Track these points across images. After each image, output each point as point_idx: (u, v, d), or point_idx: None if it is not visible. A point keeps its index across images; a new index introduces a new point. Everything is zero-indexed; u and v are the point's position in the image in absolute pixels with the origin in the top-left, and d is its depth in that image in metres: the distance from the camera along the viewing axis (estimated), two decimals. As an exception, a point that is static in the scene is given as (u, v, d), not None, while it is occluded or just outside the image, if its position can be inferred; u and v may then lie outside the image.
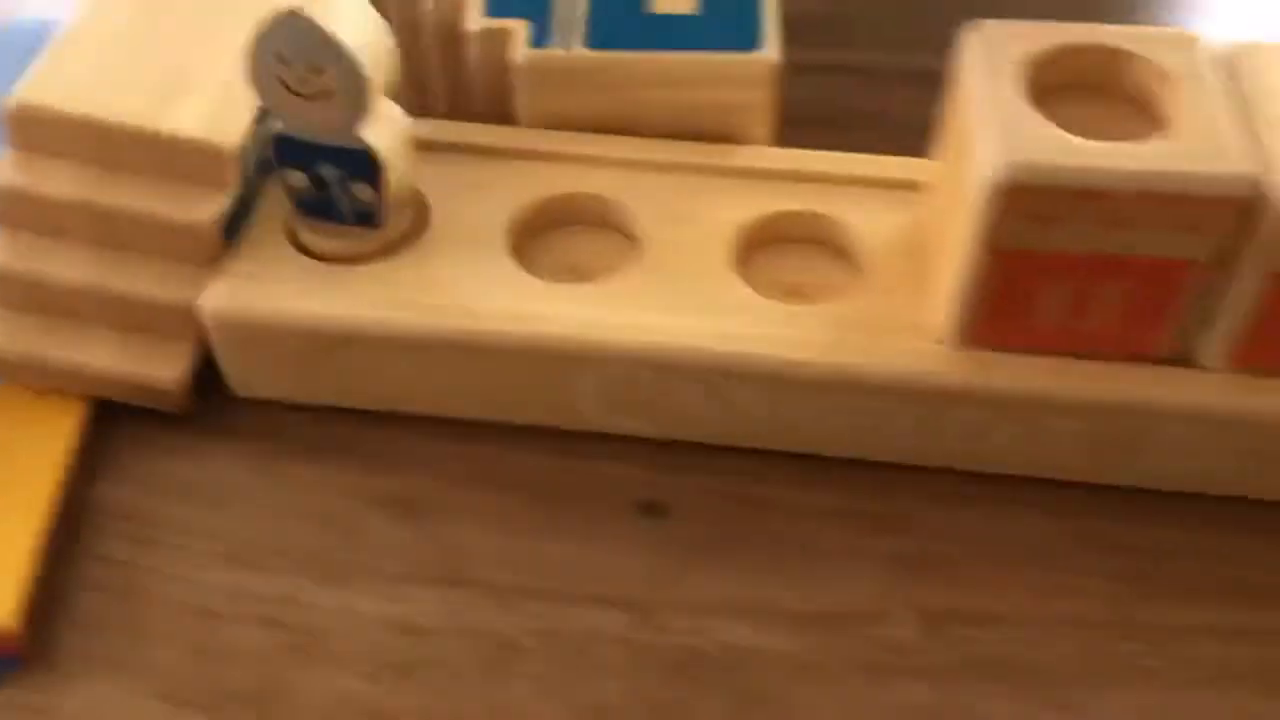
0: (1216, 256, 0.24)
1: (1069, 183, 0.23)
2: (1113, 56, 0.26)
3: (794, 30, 0.32)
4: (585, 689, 0.25)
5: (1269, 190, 0.23)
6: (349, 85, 0.26)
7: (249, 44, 0.26)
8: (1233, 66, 0.26)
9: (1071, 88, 0.26)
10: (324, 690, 0.25)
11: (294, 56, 0.26)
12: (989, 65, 0.25)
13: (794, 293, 0.29)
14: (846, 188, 0.30)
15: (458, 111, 0.34)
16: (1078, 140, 0.24)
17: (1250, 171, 0.23)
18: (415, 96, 0.35)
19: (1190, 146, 0.24)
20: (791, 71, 0.31)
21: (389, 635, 0.26)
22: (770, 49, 0.31)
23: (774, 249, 0.30)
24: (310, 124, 0.27)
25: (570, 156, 0.31)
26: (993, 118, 0.24)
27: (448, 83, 0.34)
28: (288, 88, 0.26)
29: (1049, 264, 0.25)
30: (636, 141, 0.31)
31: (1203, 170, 0.23)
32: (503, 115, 0.32)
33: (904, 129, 0.31)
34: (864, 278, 0.29)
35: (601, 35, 0.31)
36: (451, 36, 0.33)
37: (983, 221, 0.24)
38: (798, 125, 0.33)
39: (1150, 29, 0.26)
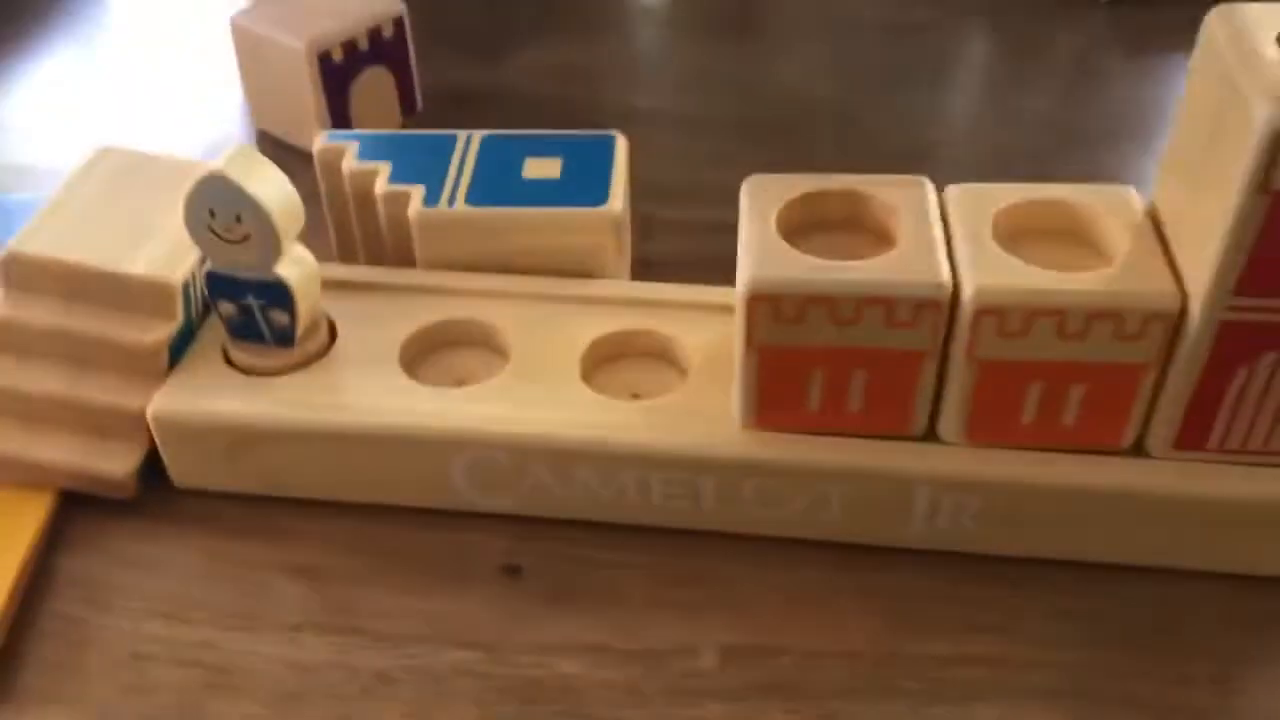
0: (937, 347, 0.31)
1: (802, 291, 0.30)
2: (858, 198, 0.33)
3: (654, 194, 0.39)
4: (443, 711, 0.31)
5: (951, 292, 0.30)
6: (262, 231, 0.34)
7: (185, 199, 0.33)
8: (946, 203, 0.33)
9: (826, 223, 0.33)
10: (229, 715, 0.31)
11: (219, 209, 0.33)
12: (757, 208, 0.33)
13: (633, 395, 0.36)
14: (677, 310, 0.37)
15: (373, 258, 0.41)
16: (813, 259, 0.31)
17: (942, 279, 0.30)
18: (342, 246, 0.42)
19: (903, 262, 0.31)
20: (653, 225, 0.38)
21: (285, 671, 0.32)
22: (613, 204, 0.38)
23: (619, 362, 0.37)
24: (235, 263, 0.34)
25: (454, 290, 0.38)
26: (751, 247, 0.31)
27: (365, 235, 0.41)
28: (216, 234, 0.34)
29: (801, 357, 0.32)
30: (508, 277, 0.38)
31: (907, 279, 0.30)
32: (406, 259, 0.40)
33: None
34: (687, 381, 0.36)
35: (480, 195, 0.39)
36: (366, 200, 0.40)
37: (743, 325, 0.31)
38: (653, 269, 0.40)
39: (887, 176, 0.34)
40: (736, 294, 0.31)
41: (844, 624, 0.33)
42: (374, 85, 0.50)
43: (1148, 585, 0.33)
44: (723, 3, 0.64)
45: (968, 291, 0.30)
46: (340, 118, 0.50)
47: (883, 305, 0.30)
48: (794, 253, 0.31)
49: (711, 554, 0.34)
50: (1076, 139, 0.51)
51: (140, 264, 0.36)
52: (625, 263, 0.41)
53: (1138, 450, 0.33)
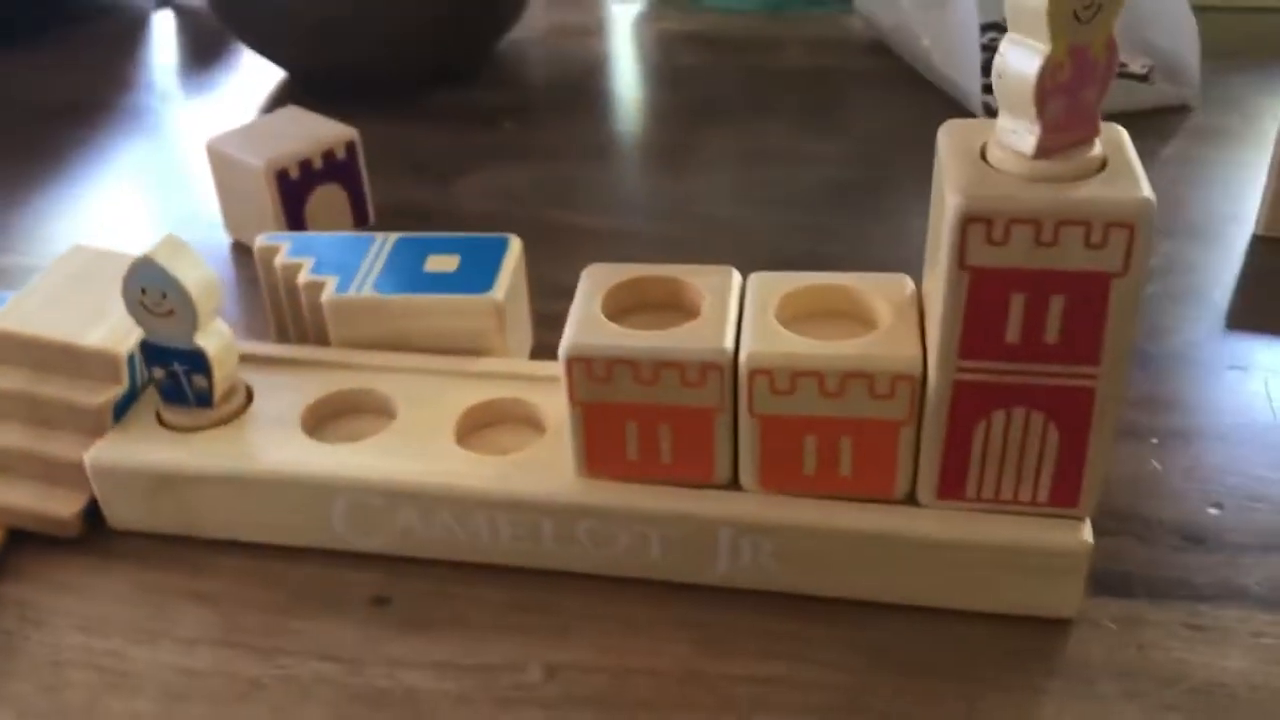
0: (726, 404, 0.37)
1: (609, 355, 0.36)
2: (675, 283, 0.39)
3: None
4: (304, 711, 0.36)
5: (732, 356, 0.36)
6: (184, 307, 0.40)
7: (123, 278, 0.40)
8: (747, 288, 0.39)
9: (649, 304, 0.39)
10: (125, 710, 0.37)
11: (149, 287, 0.40)
12: (587, 289, 0.39)
13: (500, 453, 0.42)
14: (544, 383, 0.43)
15: (300, 337, 0.48)
16: (622, 330, 0.37)
17: (724, 345, 0.36)
18: (278, 327, 0.49)
19: (696, 332, 0.37)
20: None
21: (175, 676, 0.38)
22: (496, 293, 0.45)
23: (493, 426, 0.43)
24: (162, 334, 0.41)
25: (357, 365, 0.45)
26: (574, 319, 0.38)
27: (294, 318, 0.48)
28: (147, 308, 0.41)
29: (615, 412, 0.37)
30: (403, 355, 0.45)
31: (695, 345, 0.36)
32: (324, 339, 0.47)
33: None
34: (542, 439, 0.41)
35: (384, 284, 0.46)
36: (293, 288, 0.47)
37: (565, 384, 0.37)
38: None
39: (702, 267, 0.40)
40: (559, 358, 0.37)
41: (656, 649, 0.38)
42: (328, 200, 0.58)
43: (923, 623, 0.38)
44: (657, 139, 0.72)
45: (743, 355, 0.36)
46: (297, 227, 0.57)
47: (676, 368, 0.36)
48: (608, 325, 0.37)
49: (550, 588, 0.40)
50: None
51: (93, 338, 0.43)
52: (520, 346, 0.48)
53: (911, 500, 0.38)
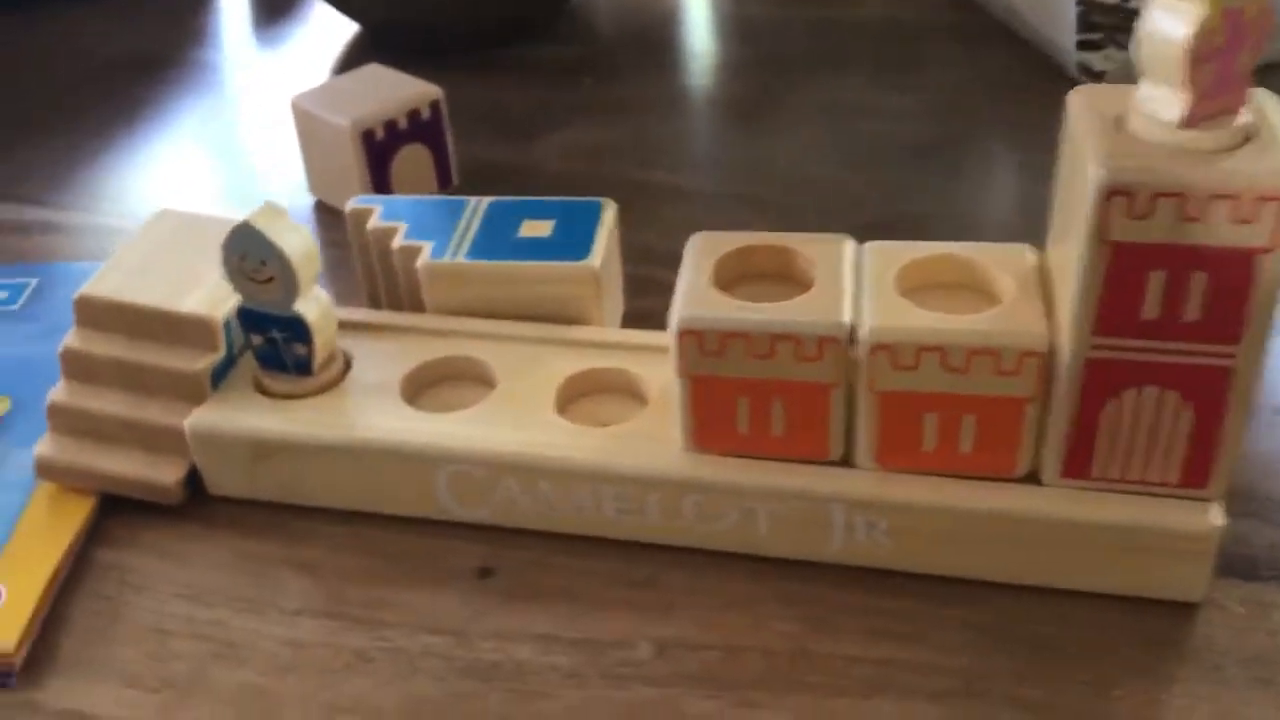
0: (842, 380, 0.36)
1: (722, 328, 0.35)
2: (785, 252, 0.38)
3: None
4: (411, 684, 0.36)
5: (850, 330, 0.35)
6: (284, 274, 0.40)
7: (222, 244, 0.40)
8: (861, 258, 0.38)
9: (757, 274, 0.38)
10: (231, 681, 0.36)
11: (248, 253, 0.40)
12: (695, 259, 0.38)
13: (600, 424, 0.41)
14: (645, 352, 0.42)
15: (393, 302, 0.47)
16: (734, 302, 0.36)
17: (842, 319, 0.35)
18: (369, 292, 0.49)
19: (811, 305, 0.36)
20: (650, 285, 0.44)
21: (281, 647, 0.37)
22: (593, 260, 0.44)
23: (592, 396, 0.42)
24: (262, 301, 0.41)
25: (454, 332, 0.44)
26: (683, 290, 0.37)
27: (386, 283, 0.47)
28: (246, 275, 0.40)
29: (727, 386, 0.36)
30: (501, 322, 0.44)
31: (813, 318, 0.35)
32: (418, 304, 0.46)
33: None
34: (645, 411, 0.41)
35: (479, 250, 0.45)
36: (386, 253, 0.46)
37: (675, 357, 0.36)
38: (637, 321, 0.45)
39: (814, 235, 0.39)
40: (669, 330, 0.36)
41: (765, 626, 0.37)
42: (413, 160, 0.57)
43: (1044, 603, 0.37)
44: (733, 94, 0.70)
45: (864, 329, 0.35)
46: (382, 188, 0.56)
47: (792, 341, 0.35)
48: (719, 295, 0.36)
49: (656, 563, 0.39)
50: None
51: (189, 304, 0.42)
52: (613, 313, 0.47)
53: (1033, 478, 0.37)
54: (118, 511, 0.42)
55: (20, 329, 0.51)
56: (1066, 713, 0.34)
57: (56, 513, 0.42)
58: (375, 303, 0.48)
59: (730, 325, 0.35)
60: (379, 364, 0.43)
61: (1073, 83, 0.36)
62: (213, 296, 0.42)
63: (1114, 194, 0.31)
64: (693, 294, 0.36)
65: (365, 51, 0.74)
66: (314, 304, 0.41)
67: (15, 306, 0.53)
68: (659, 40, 0.77)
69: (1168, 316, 0.32)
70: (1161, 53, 0.30)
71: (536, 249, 0.45)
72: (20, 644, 0.37)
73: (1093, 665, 0.35)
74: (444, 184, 0.59)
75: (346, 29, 0.79)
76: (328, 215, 0.58)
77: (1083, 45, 0.66)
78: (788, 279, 0.38)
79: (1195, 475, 0.35)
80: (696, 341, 0.36)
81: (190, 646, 0.38)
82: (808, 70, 0.71)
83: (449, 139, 0.58)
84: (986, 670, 0.35)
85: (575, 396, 0.42)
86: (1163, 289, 0.32)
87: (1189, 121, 0.31)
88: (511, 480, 0.39)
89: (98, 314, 0.42)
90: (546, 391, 0.41)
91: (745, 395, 0.37)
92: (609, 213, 0.46)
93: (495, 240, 0.45)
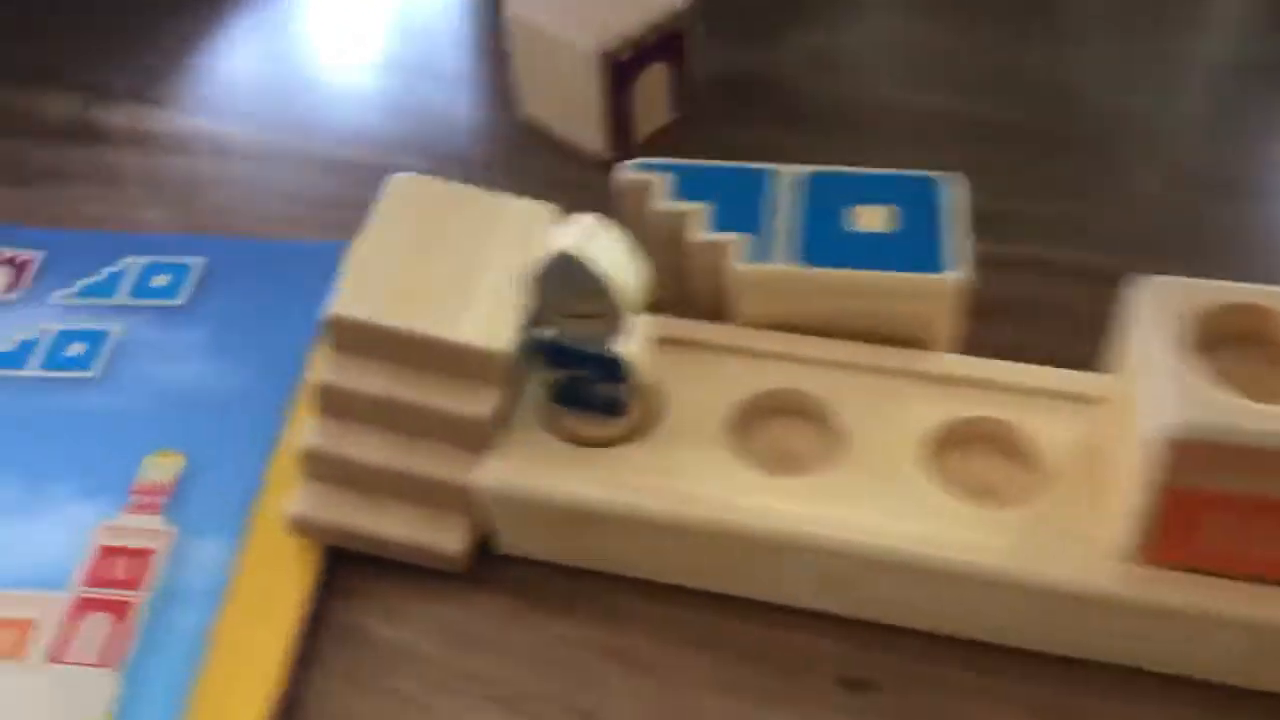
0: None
1: (1230, 442, 0.27)
2: (1261, 313, 0.30)
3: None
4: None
5: None
6: (610, 311, 0.32)
7: (532, 274, 0.31)
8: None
9: (1229, 339, 0.30)
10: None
11: (567, 287, 0.31)
12: (1157, 321, 0.29)
13: (981, 492, 0.33)
14: (1026, 396, 0.35)
15: (679, 298, 0.39)
16: (1238, 402, 0.28)
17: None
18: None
19: (1338, 411, 0.27)
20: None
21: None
22: (956, 270, 0.35)
23: (960, 450, 0.35)
24: (577, 337, 0.33)
25: (778, 354, 0.36)
26: (1160, 376, 0.28)
27: (672, 274, 0.39)
28: (567, 308, 0.32)
29: (1209, 502, 0.29)
30: (837, 344, 0.36)
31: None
32: (715, 309, 0.38)
33: (1077, 323, 0.36)
34: (1045, 484, 0.33)
35: (810, 252, 0.36)
36: (674, 241, 0.38)
37: (1153, 466, 0.28)
38: (978, 316, 0.37)
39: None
40: (1145, 431, 0.28)
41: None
42: (653, 83, 0.47)
43: None
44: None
45: None
46: (619, 115, 0.47)
47: (1314, 462, 0.27)
48: (1214, 390, 0.28)
49: (1076, 685, 0.32)
50: None
51: (468, 329, 0.34)
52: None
53: None
54: (388, 579, 0.35)
55: (186, 335, 0.42)
56: None
57: (266, 610, 0.34)
58: (661, 297, 0.40)
59: (1244, 439, 0.27)
60: (695, 396, 0.35)
61: None
62: (493, 315, 0.34)
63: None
64: (1183, 390, 0.28)
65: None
66: (635, 339, 0.33)
67: (179, 300, 0.43)
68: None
69: None
70: None
71: (877, 249, 0.36)
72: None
73: None
74: (681, 105, 0.49)
75: None
76: (542, 142, 0.49)
77: None
78: (1264, 342, 0.30)
79: None
80: (1192, 456, 0.28)
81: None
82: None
83: (689, 55, 0.48)
84: None
85: (938, 451, 0.34)
86: None
87: None
88: (888, 579, 0.32)
89: (356, 339, 0.34)
90: (904, 446, 0.34)
91: (1229, 513, 0.29)
92: (958, 194, 0.37)
93: (824, 236, 0.37)
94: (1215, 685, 0.32)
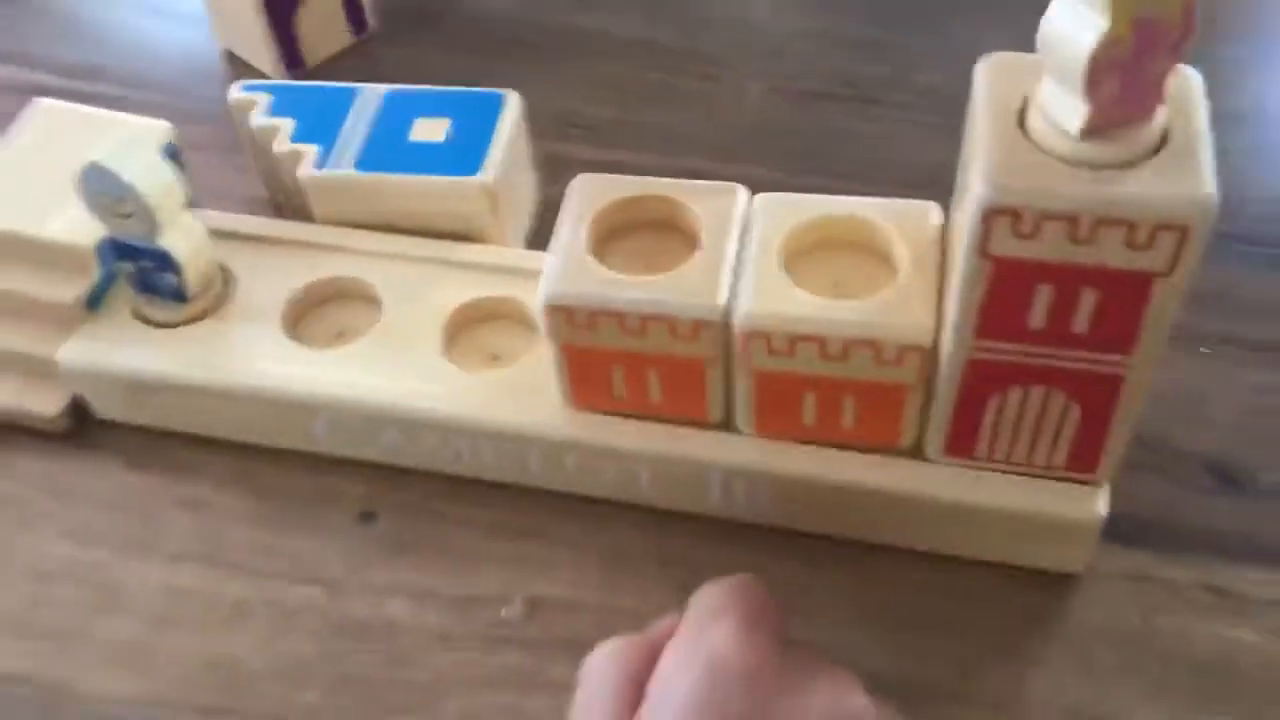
0: (718, 356, 0.34)
1: (592, 306, 0.33)
2: (674, 204, 0.35)
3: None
4: (287, 642, 0.36)
5: (723, 315, 0.33)
6: (142, 210, 0.37)
7: (77, 181, 0.37)
8: (753, 213, 0.35)
9: (644, 224, 0.36)
10: (112, 629, 0.37)
11: (104, 190, 0.37)
12: (576, 210, 0.35)
13: (490, 358, 0.39)
14: (529, 278, 0.40)
15: (288, 200, 0.45)
16: (608, 274, 0.33)
17: (716, 303, 0.33)
18: (266, 186, 0.46)
19: (687, 282, 0.33)
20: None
21: (162, 596, 0.38)
22: (488, 174, 0.41)
23: (484, 324, 0.40)
24: (126, 233, 0.38)
25: (340, 247, 0.42)
26: (556, 255, 0.34)
27: (277, 181, 0.45)
28: (106, 210, 0.38)
29: (601, 357, 0.35)
30: (390, 237, 0.42)
31: (686, 300, 0.33)
32: (306, 214, 0.43)
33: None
34: (533, 349, 0.39)
35: (365, 159, 0.42)
36: (269, 153, 0.43)
37: (545, 327, 0.34)
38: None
39: (704, 184, 0.36)
40: (537, 300, 0.34)
41: (644, 588, 0.37)
42: (321, 6, 0.53)
43: (923, 570, 0.36)
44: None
45: (737, 315, 0.32)
46: (288, 40, 0.52)
47: (665, 322, 0.33)
48: (594, 267, 0.34)
49: (541, 511, 0.38)
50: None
51: (56, 227, 0.40)
52: (519, 219, 0.44)
53: (917, 452, 0.35)
54: (13, 438, 0.42)
55: None
56: (926, 691, 0.34)
57: None
58: (275, 196, 0.46)
59: (601, 303, 0.33)
60: (263, 283, 0.41)
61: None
62: (87, 215, 0.40)
63: (998, 214, 0.28)
64: (566, 264, 0.34)
65: None
66: (183, 235, 0.39)
67: None
68: None
69: (1055, 326, 0.30)
70: (1063, 59, 0.26)
71: (428, 157, 0.42)
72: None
73: (963, 642, 0.35)
74: (359, 30, 0.55)
75: None
76: (242, 70, 0.54)
77: None
78: (675, 229, 0.36)
79: (1083, 463, 0.34)
80: (566, 317, 0.34)
81: (71, 592, 0.38)
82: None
83: (360, -22, 0.54)
84: (857, 643, 0.35)
85: (465, 325, 0.40)
86: (1050, 302, 0.29)
87: (1089, 132, 0.27)
88: (392, 429, 0.38)
89: (-36, 236, 0.40)
90: (433, 324, 0.40)
91: (620, 365, 0.35)
92: (512, 108, 0.43)
93: (385, 146, 0.42)
94: (645, 508, 0.38)
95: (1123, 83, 0.27)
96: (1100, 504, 0.34)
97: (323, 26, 0.53)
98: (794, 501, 0.36)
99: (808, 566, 0.37)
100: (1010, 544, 0.35)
